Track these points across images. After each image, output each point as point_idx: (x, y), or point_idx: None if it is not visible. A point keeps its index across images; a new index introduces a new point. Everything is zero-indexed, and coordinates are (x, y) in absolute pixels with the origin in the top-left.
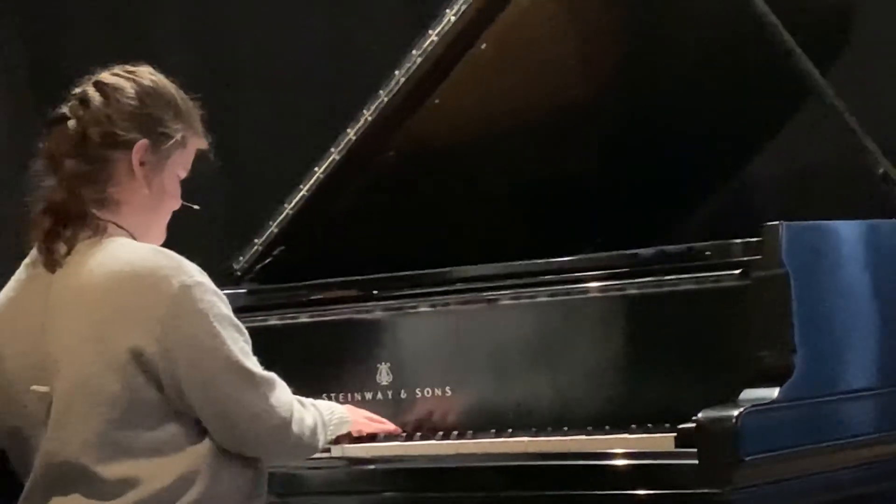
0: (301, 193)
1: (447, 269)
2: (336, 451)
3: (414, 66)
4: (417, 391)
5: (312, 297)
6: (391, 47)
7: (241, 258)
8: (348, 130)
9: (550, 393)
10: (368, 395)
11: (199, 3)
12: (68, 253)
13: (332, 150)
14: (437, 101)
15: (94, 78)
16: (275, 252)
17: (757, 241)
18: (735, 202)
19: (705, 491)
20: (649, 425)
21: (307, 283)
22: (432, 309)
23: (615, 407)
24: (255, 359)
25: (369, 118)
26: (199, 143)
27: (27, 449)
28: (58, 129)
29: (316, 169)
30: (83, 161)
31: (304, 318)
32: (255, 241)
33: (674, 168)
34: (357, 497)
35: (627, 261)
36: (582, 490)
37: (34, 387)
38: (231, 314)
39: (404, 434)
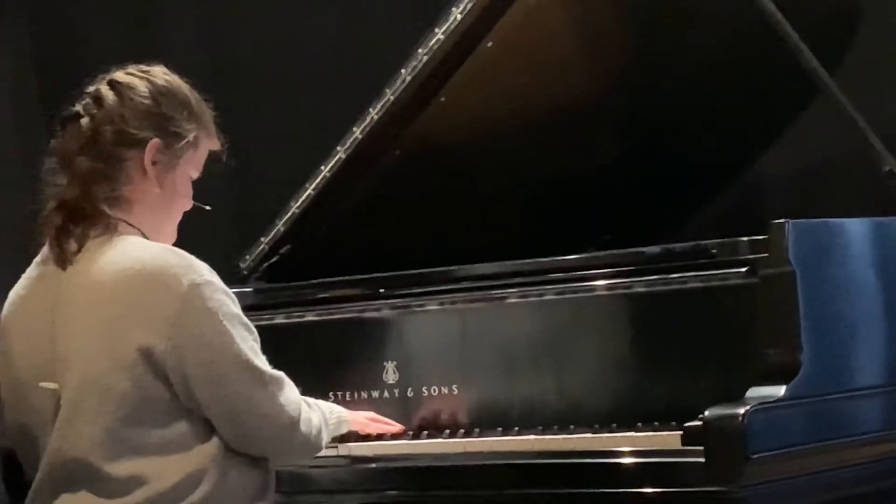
0: (307, 192)
1: (454, 267)
2: (342, 449)
3: (420, 65)
4: (424, 389)
5: (319, 296)
6: (398, 46)
7: (247, 257)
8: (354, 129)
9: (557, 391)
10: (375, 394)
11: (206, 4)
12: (79, 250)
13: (339, 148)
14: (443, 99)
15: (108, 77)
16: (281, 251)
17: (763, 238)
18: (742, 200)
19: (712, 489)
20: (656, 423)
21: (314, 281)
22: (439, 307)
23: (622, 405)
24: (264, 358)
25: (375, 117)
26: (212, 144)
27: (35, 447)
28: (71, 127)
29: (322, 168)
30: (95, 159)
31: (310, 317)
32: (262, 239)
33: (680, 166)
34: (363, 495)
35: (634, 259)
36: (588, 488)
37: (43, 384)
38: (241, 313)
39: (410, 433)
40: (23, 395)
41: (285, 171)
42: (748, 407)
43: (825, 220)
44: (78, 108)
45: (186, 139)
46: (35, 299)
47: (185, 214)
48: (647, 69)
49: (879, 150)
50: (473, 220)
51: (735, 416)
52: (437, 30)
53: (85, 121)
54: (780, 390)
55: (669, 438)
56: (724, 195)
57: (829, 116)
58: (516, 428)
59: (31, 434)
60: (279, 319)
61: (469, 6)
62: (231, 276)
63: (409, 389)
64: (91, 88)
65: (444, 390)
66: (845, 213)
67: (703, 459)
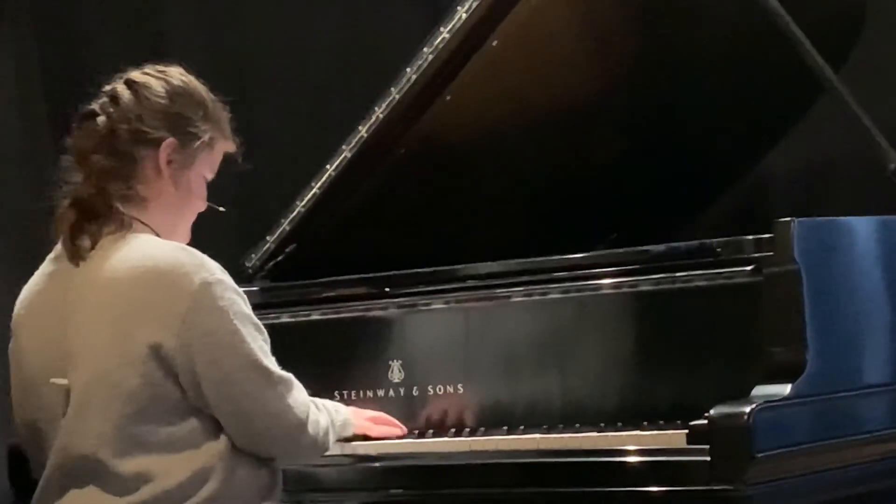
0: (313, 191)
1: (459, 266)
2: (347, 448)
3: (425, 64)
4: (429, 388)
5: (324, 295)
6: (403, 46)
7: (253, 256)
8: (360, 128)
9: (562, 390)
10: (380, 393)
11: (210, 4)
12: (92, 247)
13: (344, 147)
14: (448, 98)
15: (124, 76)
16: (287, 250)
17: (769, 237)
18: (747, 199)
19: (718, 487)
20: (661, 422)
21: (319, 280)
22: (444, 306)
23: (627, 404)
24: (273, 358)
25: (381, 116)
26: (227, 146)
27: (44, 443)
28: (87, 125)
29: (328, 167)
30: (111, 157)
31: (315, 316)
32: (268, 238)
33: (686, 165)
34: (368, 494)
35: (639, 257)
36: (594, 487)
37: (53, 379)
38: (251, 313)
39: (415, 432)
40: (33, 391)
41: (291, 170)
42: (753, 406)
43: (830, 218)
44: (94, 106)
45: (202, 139)
46: (47, 296)
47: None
48: (652, 68)
49: (885, 148)
50: (479, 219)
51: (740, 414)
52: (442, 29)
53: (101, 119)
54: (786, 389)
55: (675, 437)
56: (729, 194)
57: (834, 115)
58: (521, 427)
59: (40, 431)
60: (285, 318)
61: (474, 5)
62: (237, 275)
63: (415, 388)
64: (107, 87)
65: (450, 389)
66: (851, 211)
67: (708, 458)
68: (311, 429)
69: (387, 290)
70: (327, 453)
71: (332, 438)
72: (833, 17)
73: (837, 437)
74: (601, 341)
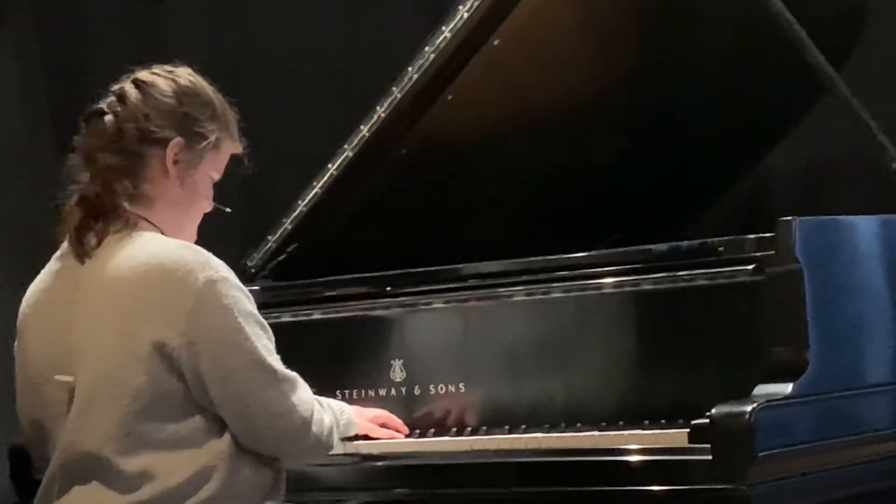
0: (315, 191)
1: (461, 265)
2: (350, 447)
3: (427, 63)
4: (431, 388)
5: (326, 294)
6: (405, 45)
7: (255, 255)
8: (362, 127)
9: (564, 389)
10: (382, 392)
11: (212, 3)
12: (98, 245)
13: (346, 147)
14: (450, 97)
15: (132, 75)
16: (289, 249)
17: (770, 236)
18: (749, 198)
19: (719, 486)
20: (663, 421)
21: (321, 279)
22: (446, 305)
23: (628, 403)
24: (277, 357)
25: (383, 115)
26: (234, 147)
27: (48, 441)
28: (94, 124)
29: (329, 166)
30: (118, 156)
31: (317, 315)
32: (269, 238)
33: (688, 164)
34: (371, 493)
35: (640, 256)
36: (596, 486)
37: (58, 376)
38: (256, 311)
39: (417, 431)
40: (38, 389)
41: (292, 169)
42: (755, 405)
43: (832, 217)
44: (102, 105)
45: (209, 140)
46: (53, 293)
47: None
48: (654, 67)
49: (886, 147)
50: (480, 219)
51: (742, 413)
52: (443, 28)
53: (108, 118)
54: (787, 388)
55: (676, 436)
56: (730, 193)
57: (836, 114)
58: (523, 426)
59: (44, 428)
60: (286, 317)
61: (476, 4)
62: (238, 275)
63: (416, 387)
64: (115, 86)
65: (451, 388)
66: (852, 210)
67: (710, 457)
68: (315, 428)
69: (388, 289)
70: (330, 452)
71: (336, 438)
72: (834, 17)
73: (839, 436)
74: (602, 340)
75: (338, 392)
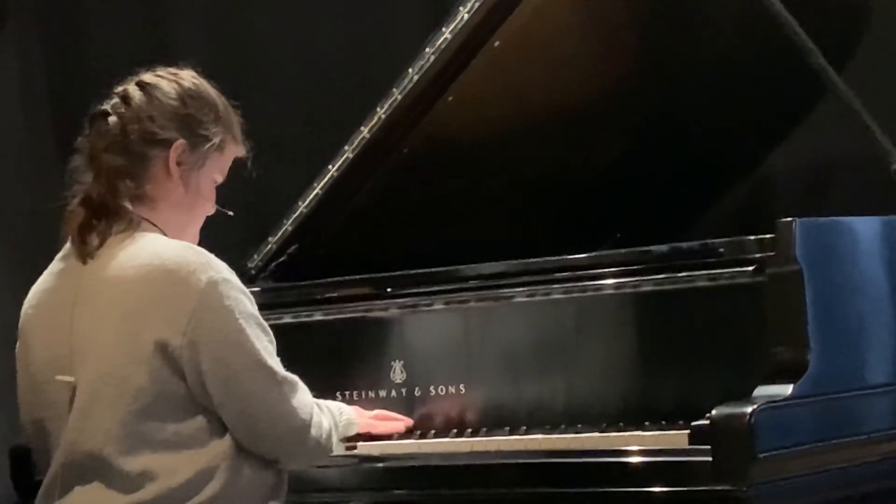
0: (315, 192)
1: (461, 266)
2: (350, 448)
3: (428, 64)
4: (431, 389)
5: (326, 296)
6: (406, 45)
7: (255, 256)
8: (362, 128)
9: (564, 390)
10: (382, 393)
11: (214, 5)
12: (101, 246)
13: (346, 148)
14: (450, 98)
15: (136, 77)
16: (289, 250)
17: (771, 237)
18: (750, 199)
19: (720, 488)
20: (663, 422)
21: (321, 281)
22: (446, 306)
23: (629, 404)
24: (278, 359)
25: (383, 116)
26: (237, 150)
27: (50, 441)
28: (98, 125)
29: (330, 167)
30: (121, 157)
31: (317, 317)
32: (270, 239)
33: (689, 165)
34: (371, 494)
35: (641, 257)
36: (596, 487)
37: (59, 376)
38: (257, 313)
39: (418, 432)
40: (40, 389)
41: (293, 170)
42: (755, 406)
43: (833, 218)
44: (106, 106)
45: (212, 142)
46: (55, 294)
47: None
48: (654, 67)
49: (887, 148)
50: (481, 219)
51: (742, 414)
52: (444, 29)
53: (112, 119)
54: (788, 389)
55: (677, 437)
56: (731, 194)
57: (836, 115)
58: (523, 427)
59: (46, 429)
60: (287, 319)
61: (476, 5)
62: (239, 276)
63: (417, 389)
64: (119, 88)
65: (452, 390)
66: (853, 211)
67: (710, 458)
68: (314, 431)
69: (389, 290)
70: (329, 454)
71: (335, 441)
72: (836, 18)
73: (839, 437)
74: (603, 342)
75: (338, 393)
